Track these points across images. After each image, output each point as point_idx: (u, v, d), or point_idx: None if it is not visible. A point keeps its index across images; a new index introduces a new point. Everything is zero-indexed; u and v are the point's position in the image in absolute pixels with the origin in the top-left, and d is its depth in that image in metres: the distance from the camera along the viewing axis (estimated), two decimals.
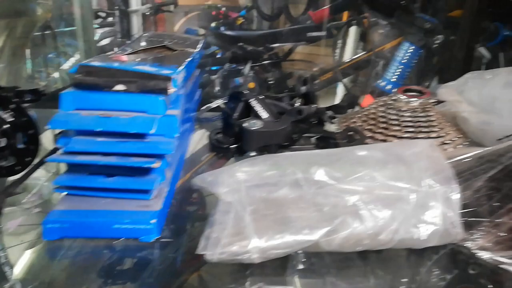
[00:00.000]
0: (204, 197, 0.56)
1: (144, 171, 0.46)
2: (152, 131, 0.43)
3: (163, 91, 0.45)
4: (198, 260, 0.41)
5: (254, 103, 0.58)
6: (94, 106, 0.45)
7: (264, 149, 0.58)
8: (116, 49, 0.59)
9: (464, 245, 0.43)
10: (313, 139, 0.63)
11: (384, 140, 0.64)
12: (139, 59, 0.53)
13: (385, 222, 0.41)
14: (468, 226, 0.44)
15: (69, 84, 0.47)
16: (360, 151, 0.46)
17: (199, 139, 0.72)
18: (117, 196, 0.47)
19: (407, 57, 1.27)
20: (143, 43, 0.63)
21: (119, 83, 0.44)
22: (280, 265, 0.41)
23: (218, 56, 1.82)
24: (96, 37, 2.53)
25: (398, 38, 1.34)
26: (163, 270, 0.42)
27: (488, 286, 0.40)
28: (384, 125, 0.65)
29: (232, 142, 0.61)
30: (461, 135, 0.64)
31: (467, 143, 0.63)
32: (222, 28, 2.71)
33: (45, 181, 0.60)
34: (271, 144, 0.58)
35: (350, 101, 0.70)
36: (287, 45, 1.58)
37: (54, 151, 0.50)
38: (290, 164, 0.46)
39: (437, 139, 0.62)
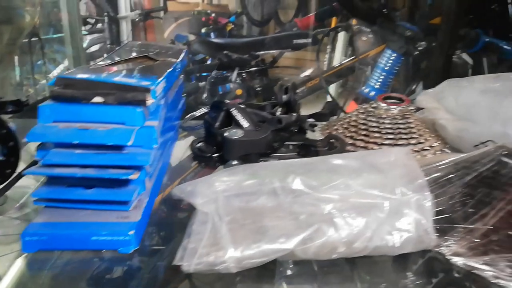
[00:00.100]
0: (188, 207, 0.56)
1: (122, 183, 0.46)
2: (130, 143, 0.44)
3: (142, 103, 0.46)
4: (179, 271, 0.41)
5: (235, 112, 0.59)
6: (72, 118, 0.45)
7: (246, 157, 0.59)
8: (98, 60, 0.59)
9: (439, 251, 0.44)
10: (294, 147, 0.64)
11: (365, 147, 0.64)
12: (119, 70, 0.53)
13: (360, 230, 0.42)
14: (443, 233, 0.45)
15: (47, 96, 0.48)
16: (335, 160, 0.47)
17: (188, 147, 0.72)
18: (96, 207, 0.47)
19: (389, 64, 1.29)
20: (125, 53, 0.64)
21: (97, 95, 0.45)
22: (268, 271, 0.42)
23: (208, 63, 1.83)
24: (85, 44, 2.53)
25: (381, 45, 1.36)
26: (139, 282, 0.43)
27: None
28: (365, 132, 0.66)
29: (214, 151, 0.62)
30: (440, 141, 0.65)
31: (446, 149, 0.64)
32: (212, 34, 2.73)
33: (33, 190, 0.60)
34: (252, 152, 0.58)
35: (332, 108, 0.71)
36: (273, 53, 1.59)
37: (34, 163, 0.50)
38: (268, 174, 0.47)
39: (416, 145, 0.63)
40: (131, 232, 0.44)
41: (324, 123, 0.74)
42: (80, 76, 0.47)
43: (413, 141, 0.64)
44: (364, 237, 0.42)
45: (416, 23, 1.36)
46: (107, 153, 0.45)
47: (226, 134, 0.57)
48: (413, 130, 0.65)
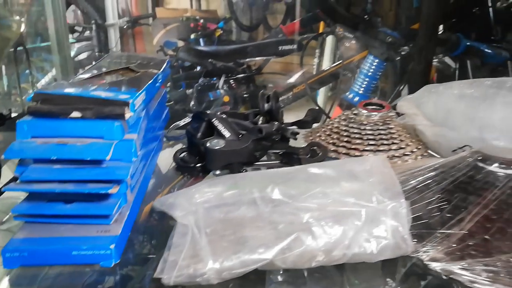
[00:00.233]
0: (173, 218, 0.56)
1: (102, 196, 0.46)
2: (108, 157, 0.44)
3: (120, 116, 0.46)
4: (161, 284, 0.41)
5: (216, 122, 0.59)
6: (50, 133, 0.45)
7: (228, 167, 0.59)
8: (79, 74, 0.59)
9: (417, 256, 0.45)
10: (277, 155, 0.64)
11: (347, 154, 0.65)
12: (98, 83, 0.53)
13: (338, 238, 0.42)
14: (421, 238, 0.46)
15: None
16: (314, 169, 0.47)
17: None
18: (77, 222, 0.47)
19: (372, 70, 1.30)
20: (106, 66, 0.64)
21: (74, 110, 0.45)
22: (259, 277, 0.42)
23: (197, 69, 1.83)
24: (73, 52, 2.52)
25: (365, 50, 1.37)
26: None
27: None
28: (347, 139, 0.67)
29: (197, 161, 0.62)
30: (421, 146, 0.66)
31: (427, 154, 0.65)
32: (201, 40, 2.73)
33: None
34: (234, 162, 0.59)
35: (315, 115, 0.72)
36: (258, 60, 1.60)
37: (14, 179, 0.50)
38: (247, 184, 0.48)
39: (398, 150, 0.64)
40: (112, 246, 0.44)
41: (308, 130, 0.75)
42: (58, 91, 0.47)
43: (394, 147, 0.65)
44: (342, 245, 0.43)
45: (398, 28, 1.38)
46: (86, 168, 0.45)
47: (208, 144, 0.58)
48: (394, 136, 0.66)
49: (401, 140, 0.66)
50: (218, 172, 0.60)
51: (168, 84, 1.68)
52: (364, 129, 0.66)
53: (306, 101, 1.69)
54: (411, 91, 0.98)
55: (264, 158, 0.63)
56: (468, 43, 1.30)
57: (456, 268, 0.42)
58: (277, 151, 0.64)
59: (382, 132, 0.66)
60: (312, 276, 0.44)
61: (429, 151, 0.66)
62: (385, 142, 0.65)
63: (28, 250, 0.44)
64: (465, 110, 0.59)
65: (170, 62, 0.73)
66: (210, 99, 1.49)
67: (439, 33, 1.27)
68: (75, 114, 0.45)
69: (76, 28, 2.75)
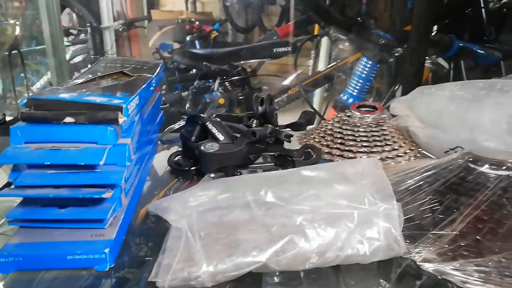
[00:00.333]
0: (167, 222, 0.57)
1: (97, 201, 0.46)
2: (102, 162, 0.44)
3: (113, 121, 0.46)
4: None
5: (210, 126, 0.60)
6: (44, 139, 0.45)
7: (223, 170, 0.60)
8: (76, 74, 0.59)
9: (410, 257, 0.45)
10: (271, 158, 0.65)
11: (341, 155, 0.66)
12: (92, 88, 0.54)
13: (331, 240, 0.43)
14: (414, 239, 0.46)
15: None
16: (307, 172, 0.48)
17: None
18: (71, 226, 0.47)
19: (366, 72, 1.31)
20: (100, 70, 0.64)
21: (68, 115, 0.45)
22: (253, 280, 0.42)
23: (192, 71, 1.83)
24: (68, 55, 2.52)
25: (359, 52, 1.38)
26: None
27: None
28: (341, 141, 0.67)
29: (191, 165, 0.63)
30: (414, 148, 0.66)
31: (420, 155, 0.66)
32: (196, 42, 2.73)
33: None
34: (229, 165, 0.59)
35: (309, 118, 0.72)
36: (252, 62, 1.61)
37: (8, 184, 0.50)
38: (241, 187, 0.48)
39: (391, 152, 0.65)
40: (107, 250, 0.45)
41: (302, 132, 0.75)
42: (51, 96, 0.47)
43: (387, 148, 0.65)
44: (335, 246, 0.43)
45: (391, 30, 1.38)
46: (80, 173, 0.45)
47: (202, 147, 0.58)
48: (387, 138, 0.66)
49: (394, 142, 0.66)
50: (212, 175, 0.60)
51: (164, 86, 1.68)
52: (358, 131, 0.67)
53: (302, 102, 1.70)
54: (404, 92, 0.98)
55: (259, 160, 0.64)
56: (461, 44, 1.31)
57: (448, 268, 0.43)
58: (272, 153, 0.65)
59: (376, 133, 0.67)
60: (307, 277, 0.44)
61: (422, 152, 0.66)
62: (379, 143, 0.66)
63: (23, 255, 0.44)
64: (456, 111, 0.60)
65: (165, 65, 0.73)
66: (205, 102, 1.49)
67: (432, 34, 1.28)
68: (69, 119, 0.45)
69: (71, 31, 2.74)
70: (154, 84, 0.66)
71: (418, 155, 0.66)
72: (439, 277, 0.43)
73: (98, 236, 0.46)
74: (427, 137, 0.59)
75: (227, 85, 1.52)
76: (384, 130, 0.67)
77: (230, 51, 1.59)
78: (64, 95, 0.48)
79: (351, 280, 0.45)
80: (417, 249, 0.45)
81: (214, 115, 0.67)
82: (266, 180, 0.48)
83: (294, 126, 0.71)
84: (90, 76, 0.59)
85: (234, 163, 0.59)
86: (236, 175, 0.59)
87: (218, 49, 1.63)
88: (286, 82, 1.63)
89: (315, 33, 1.97)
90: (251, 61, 1.57)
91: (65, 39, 2.38)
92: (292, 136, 0.65)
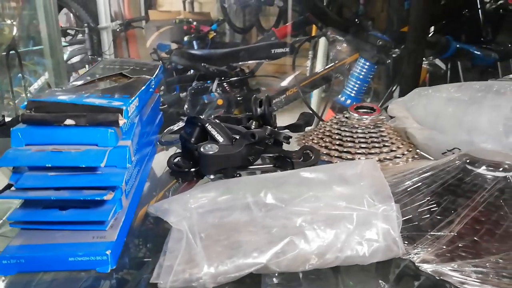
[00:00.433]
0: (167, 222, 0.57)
1: (98, 203, 0.46)
2: (103, 165, 0.44)
3: (114, 123, 0.46)
4: None
5: (209, 127, 0.60)
6: (44, 141, 0.46)
7: (222, 171, 0.60)
8: (73, 74, 0.60)
9: (409, 258, 0.46)
10: (271, 159, 0.65)
11: (339, 157, 0.66)
12: (92, 90, 0.54)
13: (330, 241, 0.43)
14: (412, 240, 0.47)
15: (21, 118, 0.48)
16: (306, 173, 0.48)
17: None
18: (72, 228, 0.47)
19: (363, 73, 1.32)
20: (100, 72, 0.64)
21: (68, 118, 0.45)
22: (253, 281, 0.43)
23: (190, 72, 1.84)
24: (66, 55, 2.52)
25: (356, 53, 1.39)
26: None
27: None
28: (339, 142, 0.68)
29: (191, 166, 0.63)
30: (412, 149, 0.67)
31: (417, 156, 0.66)
32: (194, 43, 2.73)
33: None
34: (228, 166, 0.59)
35: (307, 119, 0.73)
36: (250, 63, 1.61)
37: (9, 186, 0.50)
38: (241, 189, 0.48)
39: (389, 153, 0.65)
40: (108, 252, 0.45)
41: (300, 133, 0.75)
42: (51, 98, 0.48)
43: (385, 149, 0.66)
44: (335, 248, 0.43)
45: (388, 31, 1.39)
46: (81, 175, 0.45)
47: (201, 149, 0.58)
48: (385, 139, 0.67)
49: (392, 143, 0.67)
50: (212, 176, 0.61)
51: (162, 87, 1.69)
52: (356, 132, 0.67)
53: (299, 103, 1.70)
54: (402, 93, 0.99)
55: (258, 162, 0.64)
56: (458, 46, 1.32)
57: (446, 269, 0.43)
58: (271, 155, 0.65)
59: (374, 135, 0.67)
60: (307, 278, 0.44)
61: (420, 153, 0.67)
62: (377, 145, 0.66)
63: (25, 257, 0.44)
64: (454, 113, 0.60)
65: (163, 66, 0.74)
66: (204, 102, 1.49)
67: (429, 35, 1.29)
68: (69, 121, 0.46)
69: (69, 31, 2.74)
70: (153, 86, 0.66)
71: (415, 156, 0.66)
72: (438, 278, 0.43)
73: (100, 238, 0.46)
74: (425, 138, 0.60)
75: (226, 86, 1.52)
76: (382, 131, 0.67)
77: (229, 52, 1.60)
78: (64, 97, 0.49)
79: (350, 281, 0.45)
80: (415, 250, 0.46)
81: (213, 116, 0.67)
82: (266, 182, 0.48)
83: (293, 127, 0.71)
84: (89, 78, 0.59)
85: (233, 165, 0.59)
86: (236, 176, 0.60)
87: (217, 50, 1.64)
88: (284, 83, 1.64)
89: (313, 34, 1.98)
90: (249, 62, 1.58)
91: (63, 39, 2.37)
92: (291, 137, 0.65)
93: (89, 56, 2.55)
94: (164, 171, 0.71)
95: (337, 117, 0.71)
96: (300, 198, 0.46)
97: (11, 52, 1.86)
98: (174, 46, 2.89)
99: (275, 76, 1.78)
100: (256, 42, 2.41)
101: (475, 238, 0.45)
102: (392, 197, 0.45)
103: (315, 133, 0.73)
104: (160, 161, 0.72)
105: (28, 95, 2.06)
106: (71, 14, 2.80)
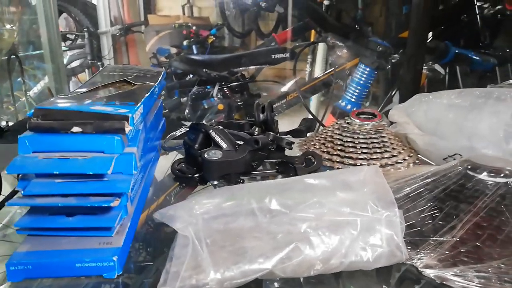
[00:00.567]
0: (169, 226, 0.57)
1: (104, 209, 0.47)
2: (110, 172, 0.45)
3: (120, 131, 0.47)
4: None
5: (213, 134, 0.60)
6: (51, 148, 0.46)
7: (226, 177, 0.61)
8: (74, 80, 0.60)
9: (412, 264, 0.46)
10: (273, 165, 0.65)
11: (341, 162, 0.67)
12: (97, 97, 0.54)
13: (335, 247, 0.44)
14: (415, 246, 0.47)
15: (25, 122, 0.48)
16: (310, 180, 0.49)
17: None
18: (79, 234, 0.47)
19: (364, 78, 1.33)
20: (104, 78, 0.65)
21: (75, 125, 0.46)
22: (255, 285, 0.43)
23: (190, 76, 1.85)
24: (66, 60, 2.52)
25: (356, 58, 1.40)
26: None
27: None
28: (341, 148, 0.68)
29: (195, 172, 0.63)
30: (413, 154, 0.67)
31: (418, 161, 0.67)
32: (194, 47, 2.74)
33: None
34: (232, 172, 0.60)
35: (309, 125, 0.73)
36: (251, 69, 1.62)
37: (14, 192, 0.51)
38: (245, 195, 0.49)
39: (390, 159, 0.66)
40: (115, 258, 0.45)
41: (302, 139, 0.76)
42: (58, 105, 0.48)
43: (387, 155, 0.66)
44: (339, 253, 0.44)
45: (388, 36, 1.40)
46: (87, 182, 0.46)
47: (205, 155, 0.59)
48: (387, 144, 0.67)
49: (394, 148, 0.67)
50: (215, 182, 0.61)
51: (163, 92, 1.69)
52: (358, 138, 0.68)
53: (299, 107, 1.71)
54: (402, 99, 0.99)
55: (260, 167, 0.65)
56: (456, 51, 1.33)
57: (449, 274, 0.44)
58: (273, 160, 0.65)
59: (375, 140, 0.68)
60: (308, 283, 0.45)
61: (421, 157, 0.68)
62: (378, 150, 0.67)
63: (32, 263, 0.45)
64: (455, 119, 0.61)
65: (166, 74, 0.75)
66: (204, 107, 1.50)
67: (428, 40, 1.30)
68: (76, 129, 0.46)
69: (68, 36, 2.74)
70: (156, 92, 0.66)
71: (417, 161, 0.67)
72: (440, 283, 0.44)
73: (106, 244, 0.47)
74: (426, 144, 0.61)
75: (226, 91, 1.53)
76: (384, 137, 0.68)
77: (230, 57, 1.61)
78: (70, 105, 0.49)
79: (352, 286, 0.46)
80: (418, 256, 0.46)
81: (214, 121, 0.68)
82: (270, 188, 0.49)
83: (295, 133, 0.72)
84: (93, 85, 0.60)
85: (237, 171, 0.60)
86: (239, 182, 0.60)
87: (218, 56, 1.65)
88: (285, 88, 1.65)
89: (312, 39, 1.99)
90: (250, 67, 1.59)
91: (62, 44, 2.38)
92: (293, 143, 0.66)
93: (89, 61, 2.55)
94: (164, 176, 0.71)
95: (338, 122, 0.72)
96: (304, 204, 0.46)
97: (12, 56, 1.87)
98: (173, 50, 2.91)
99: (276, 81, 1.79)
100: (256, 48, 2.42)
101: (477, 243, 0.46)
102: (395, 203, 0.46)
103: (317, 138, 0.74)
104: (161, 166, 0.72)
105: (29, 99, 2.06)
106: (71, 19, 2.81)
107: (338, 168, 0.66)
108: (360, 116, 0.71)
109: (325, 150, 0.70)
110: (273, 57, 1.55)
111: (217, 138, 0.60)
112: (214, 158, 0.58)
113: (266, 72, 1.92)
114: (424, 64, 1.38)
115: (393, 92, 1.51)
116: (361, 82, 1.32)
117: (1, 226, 0.57)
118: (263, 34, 2.65)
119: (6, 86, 1.98)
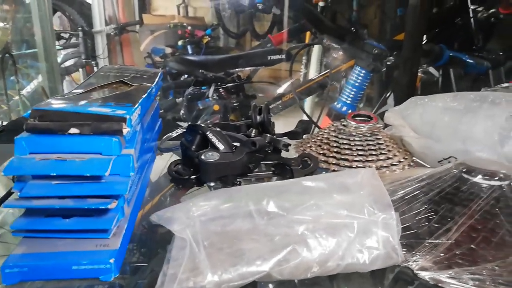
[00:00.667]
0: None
1: (101, 211, 0.47)
2: (107, 174, 0.45)
3: (118, 132, 0.47)
4: None
5: (210, 135, 0.60)
6: (49, 150, 0.46)
7: (223, 179, 0.61)
8: (68, 79, 0.60)
9: (407, 266, 0.47)
10: (270, 167, 0.66)
11: (337, 164, 0.67)
12: (94, 98, 0.54)
13: (332, 249, 0.44)
14: (411, 248, 0.48)
15: (21, 122, 0.48)
16: (307, 182, 0.49)
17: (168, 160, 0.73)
18: (75, 236, 0.47)
19: (359, 81, 1.34)
20: (101, 79, 0.65)
21: (72, 127, 0.46)
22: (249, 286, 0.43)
23: (184, 77, 1.84)
24: (60, 59, 2.51)
25: (351, 60, 1.41)
26: None
27: None
28: (337, 150, 0.69)
29: (191, 173, 0.63)
30: (408, 156, 0.68)
31: (413, 164, 0.68)
32: (188, 47, 2.74)
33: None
34: (229, 174, 0.60)
35: (305, 127, 0.74)
36: (246, 70, 1.63)
37: (9, 194, 0.50)
38: (243, 197, 0.49)
39: (386, 161, 0.66)
40: (112, 260, 0.45)
41: (298, 140, 0.76)
42: (55, 107, 0.48)
43: (382, 157, 0.67)
44: (336, 256, 0.44)
45: (383, 39, 1.41)
46: (85, 183, 0.46)
47: (202, 157, 0.59)
48: (382, 147, 0.68)
49: (389, 151, 0.68)
50: (212, 184, 0.61)
51: (158, 92, 1.68)
52: (353, 140, 0.68)
53: (294, 108, 1.72)
54: (397, 101, 1.00)
55: (257, 169, 0.65)
56: (451, 54, 1.35)
57: (444, 276, 0.44)
58: (270, 162, 0.66)
59: (371, 143, 0.68)
60: (303, 284, 0.45)
61: (416, 160, 0.68)
62: (374, 152, 0.67)
63: (28, 266, 0.44)
64: (450, 122, 0.62)
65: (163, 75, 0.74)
66: (199, 108, 1.50)
67: (423, 43, 1.31)
68: (73, 130, 0.46)
69: (62, 34, 2.73)
70: (153, 93, 0.66)
71: (412, 164, 0.68)
72: (435, 285, 0.44)
73: (103, 246, 0.47)
74: (421, 147, 0.61)
75: (222, 91, 1.53)
76: (379, 139, 0.69)
77: (226, 58, 1.61)
78: (68, 106, 0.49)
79: (345, 287, 0.46)
80: (414, 258, 0.47)
81: (209, 121, 0.68)
82: (268, 190, 0.49)
83: (291, 134, 0.72)
84: (90, 85, 0.60)
85: (234, 172, 0.60)
86: (236, 184, 0.60)
87: (214, 57, 1.65)
88: (280, 89, 1.65)
89: (307, 41, 2.00)
90: (246, 68, 1.59)
91: (56, 43, 2.36)
92: (290, 145, 0.66)
93: (83, 60, 2.54)
94: (159, 176, 0.71)
95: (334, 124, 0.73)
96: (301, 207, 0.47)
97: (6, 55, 1.86)
98: (168, 50, 2.90)
99: (271, 82, 1.79)
100: (252, 49, 2.43)
101: (472, 246, 0.47)
102: (392, 206, 0.46)
103: (313, 140, 0.74)
104: (156, 167, 0.72)
105: (22, 98, 2.05)
106: (65, 18, 2.79)
107: (334, 170, 0.66)
108: (356, 118, 0.71)
109: (321, 152, 0.70)
110: (269, 59, 1.55)
111: (214, 140, 0.60)
112: (211, 160, 0.58)
113: (261, 73, 1.92)
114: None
115: (388, 94, 1.52)
116: (357, 84, 1.32)
117: None
118: (258, 35, 2.65)
119: (0, 85, 1.97)
